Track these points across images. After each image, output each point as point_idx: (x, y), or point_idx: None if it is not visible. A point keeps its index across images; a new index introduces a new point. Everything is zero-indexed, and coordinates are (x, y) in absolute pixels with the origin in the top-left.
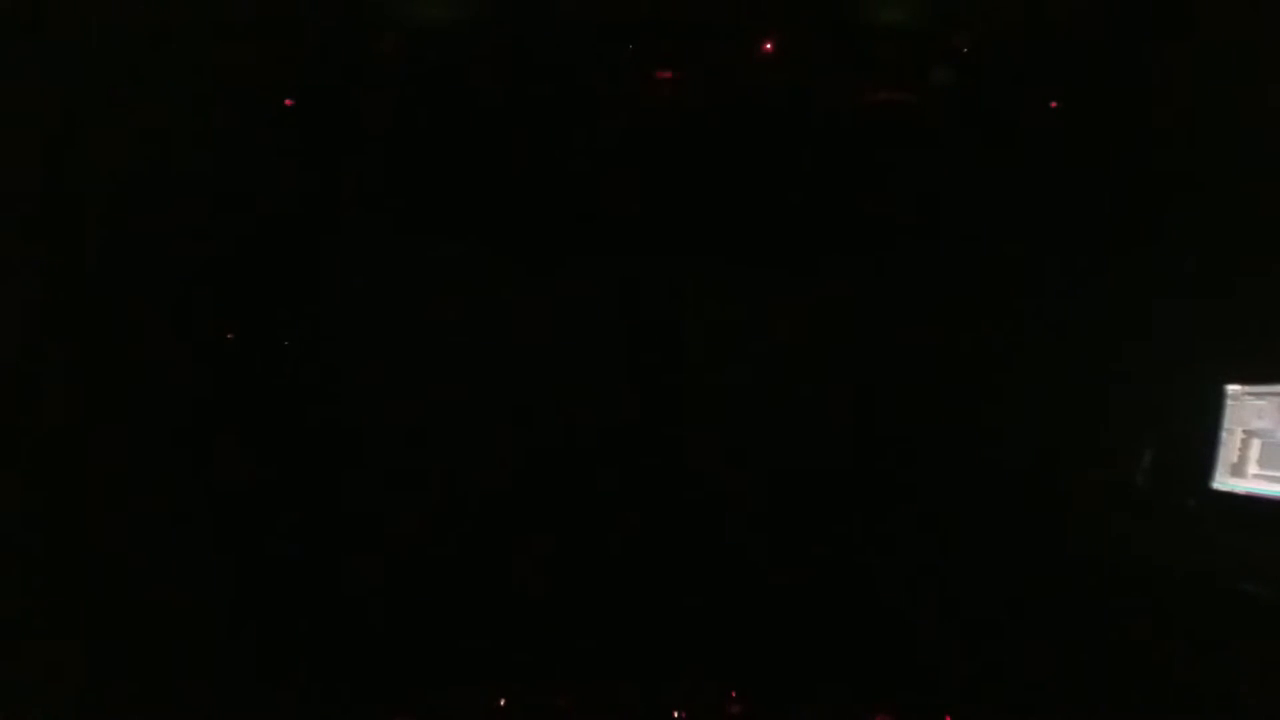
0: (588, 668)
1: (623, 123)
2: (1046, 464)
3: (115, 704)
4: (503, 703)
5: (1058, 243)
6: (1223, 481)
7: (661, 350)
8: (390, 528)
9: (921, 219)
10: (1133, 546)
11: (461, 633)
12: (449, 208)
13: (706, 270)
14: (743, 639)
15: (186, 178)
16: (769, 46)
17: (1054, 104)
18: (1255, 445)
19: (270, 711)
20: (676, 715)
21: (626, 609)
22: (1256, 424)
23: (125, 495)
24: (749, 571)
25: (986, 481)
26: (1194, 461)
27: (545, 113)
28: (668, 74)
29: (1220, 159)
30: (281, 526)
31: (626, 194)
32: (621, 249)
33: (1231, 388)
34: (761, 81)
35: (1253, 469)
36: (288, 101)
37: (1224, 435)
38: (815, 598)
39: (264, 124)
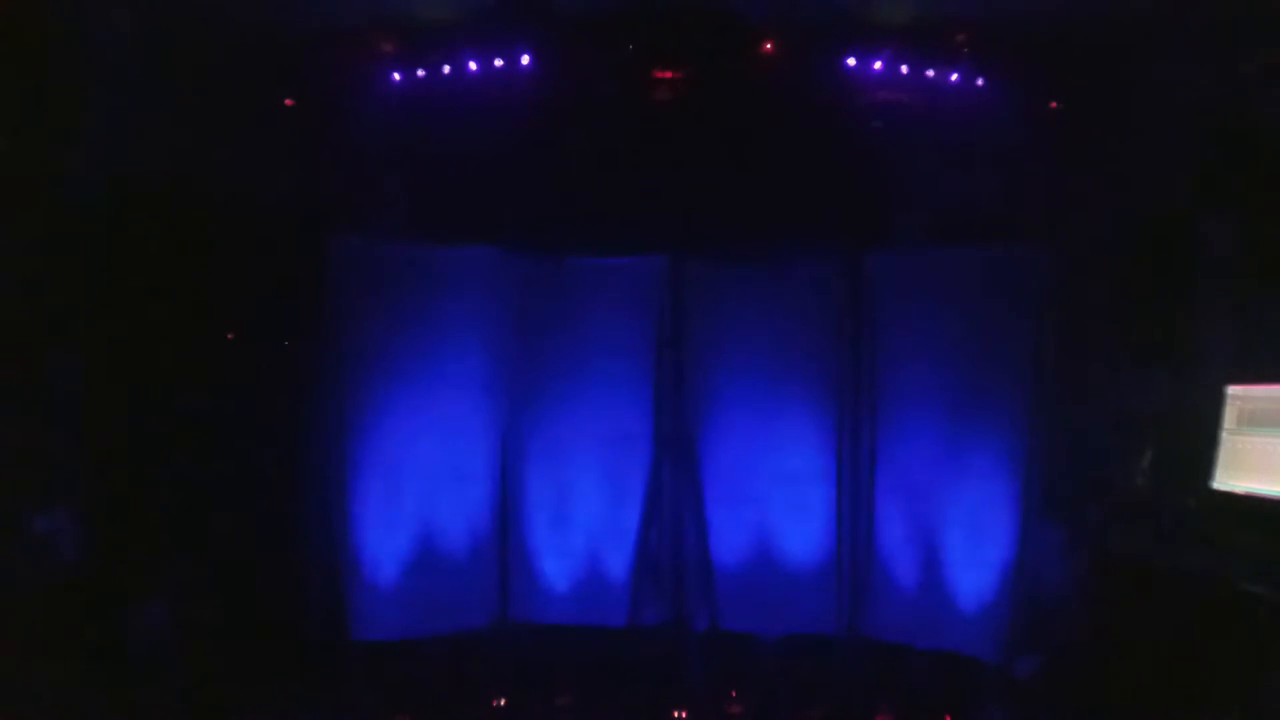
0: (588, 663)
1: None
2: (1046, 464)
3: (116, 703)
4: (503, 702)
5: (1058, 243)
6: (1223, 481)
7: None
8: (388, 526)
9: (921, 218)
10: (1133, 546)
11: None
12: (447, 207)
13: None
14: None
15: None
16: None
17: (1054, 104)
18: (1255, 445)
19: (272, 712)
20: (676, 715)
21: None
22: (1256, 424)
23: (125, 494)
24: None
25: (986, 481)
26: (1194, 461)
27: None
28: (667, 74)
29: (1221, 160)
30: (281, 526)
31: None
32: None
33: (1231, 388)
34: (761, 80)
35: (1252, 469)
36: (288, 101)
37: (1224, 435)
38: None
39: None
